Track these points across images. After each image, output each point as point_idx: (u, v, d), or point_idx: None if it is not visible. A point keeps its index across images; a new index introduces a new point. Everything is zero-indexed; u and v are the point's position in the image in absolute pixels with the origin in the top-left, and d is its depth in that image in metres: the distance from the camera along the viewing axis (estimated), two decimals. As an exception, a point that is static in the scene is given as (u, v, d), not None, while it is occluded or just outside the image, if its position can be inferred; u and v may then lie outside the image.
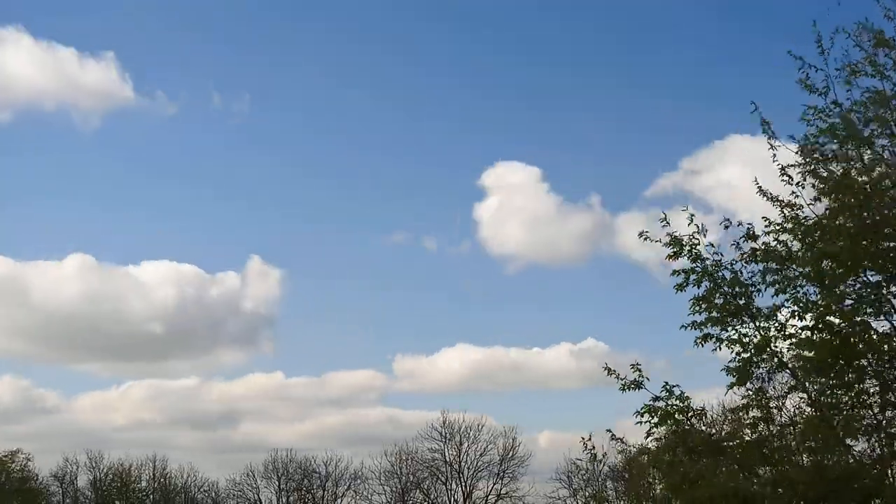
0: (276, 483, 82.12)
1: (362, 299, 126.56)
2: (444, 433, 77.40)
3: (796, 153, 16.07)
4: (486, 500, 76.57)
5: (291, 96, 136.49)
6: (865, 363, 15.19)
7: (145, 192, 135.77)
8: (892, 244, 15.22)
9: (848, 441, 15.28)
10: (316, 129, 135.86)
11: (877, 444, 15.71)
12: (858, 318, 14.92)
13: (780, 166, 16.03)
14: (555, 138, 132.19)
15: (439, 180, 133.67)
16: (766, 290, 15.59)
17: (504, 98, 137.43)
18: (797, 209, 15.89)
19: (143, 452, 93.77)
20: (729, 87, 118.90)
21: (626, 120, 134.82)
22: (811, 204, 15.86)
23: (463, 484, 76.94)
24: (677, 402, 15.54)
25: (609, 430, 16.44)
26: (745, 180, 16.20)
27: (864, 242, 14.88)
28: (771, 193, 16.27)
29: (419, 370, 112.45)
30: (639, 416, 15.50)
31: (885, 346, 14.84)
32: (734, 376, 15.37)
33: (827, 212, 15.67)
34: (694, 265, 15.84)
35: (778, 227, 15.83)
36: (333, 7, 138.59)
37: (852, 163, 15.70)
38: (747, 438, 15.46)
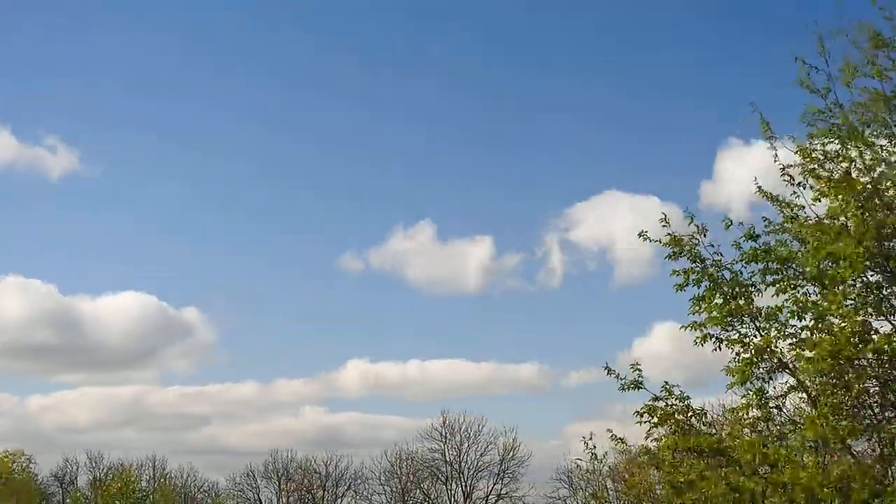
0: (276, 483, 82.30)
1: (306, 313, 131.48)
2: (444, 433, 77.57)
3: (796, 153, 16.10)
4: (486, 500, 76.68)
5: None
6: (865, 363, 15.19)
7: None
8: (892, 244, 15.23)
9: (848, 441, 15.27)
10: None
11: (877, 444, 15.71)
12: (859, 318, 14.93)
13: (780, 166, 16.08)
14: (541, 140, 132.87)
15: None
16: (766, 290, 15.62)
17: (478, 98, 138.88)
18: (797, 209, 15.92)
19: (103, 453, 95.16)
20: (729, 87, 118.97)
21: (623, 121, 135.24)
22: (811, 204, 15.90)
23: (463, 484, 77.08)
24: (677, 401, 15.59)
25: (609, 430, 16.50)
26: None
27: (864, 242, 14.88)
28: (771, 193, 16.31)
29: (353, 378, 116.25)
30: (639, 416, 15.56)
31: (886, 346, 14.84)
32: (734, 376, 15.40)
33: (827, 212, 15.70)
34: (694, 265, 15.87)
35: (778, 227, 15.86)
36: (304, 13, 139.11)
37: (852, 163, 15.71)
38: (747, 438, 15.46)
